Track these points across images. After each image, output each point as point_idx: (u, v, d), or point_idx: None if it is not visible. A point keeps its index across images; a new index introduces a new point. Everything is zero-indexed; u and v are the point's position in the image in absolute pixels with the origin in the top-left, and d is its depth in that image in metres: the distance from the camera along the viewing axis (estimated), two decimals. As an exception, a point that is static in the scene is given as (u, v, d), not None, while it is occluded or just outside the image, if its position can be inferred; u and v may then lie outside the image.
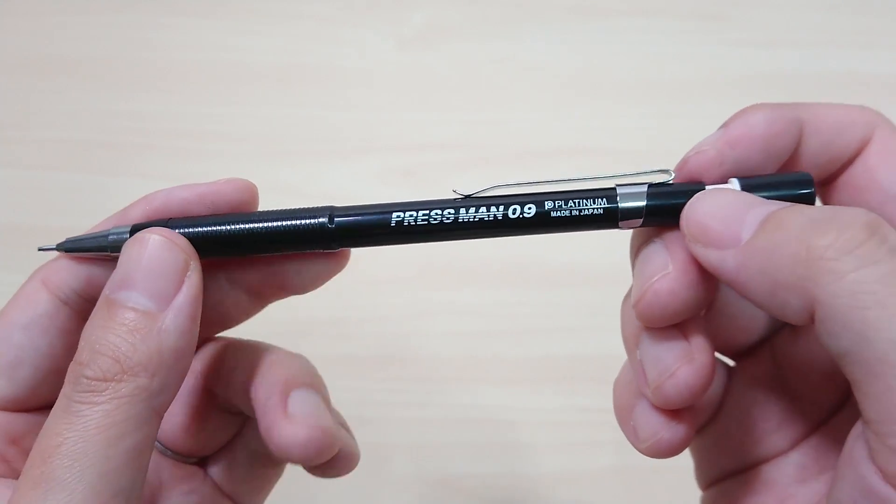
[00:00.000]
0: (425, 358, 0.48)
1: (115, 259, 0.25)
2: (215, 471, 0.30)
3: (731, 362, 0.29)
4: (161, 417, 0.24)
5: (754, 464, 0.27)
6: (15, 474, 0.25)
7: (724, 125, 0.25)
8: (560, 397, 0.47)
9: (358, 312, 0.48)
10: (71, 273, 0.26)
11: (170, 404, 0.24)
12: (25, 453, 0.25)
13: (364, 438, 0.47)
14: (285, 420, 0.26)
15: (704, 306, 0.25)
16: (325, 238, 0.25)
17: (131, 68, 0.58)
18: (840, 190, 0.26)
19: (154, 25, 0.59)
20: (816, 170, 0.25)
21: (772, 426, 0.27)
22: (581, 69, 0.58)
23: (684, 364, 0.24)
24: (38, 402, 0.27)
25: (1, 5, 0.60)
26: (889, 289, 0.18)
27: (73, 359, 0.23)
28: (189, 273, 0.24)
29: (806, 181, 0.24)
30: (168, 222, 0.25)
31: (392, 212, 0.25)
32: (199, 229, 0.25)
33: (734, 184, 0.24)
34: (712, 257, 0.22)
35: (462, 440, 0.46)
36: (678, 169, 0.25)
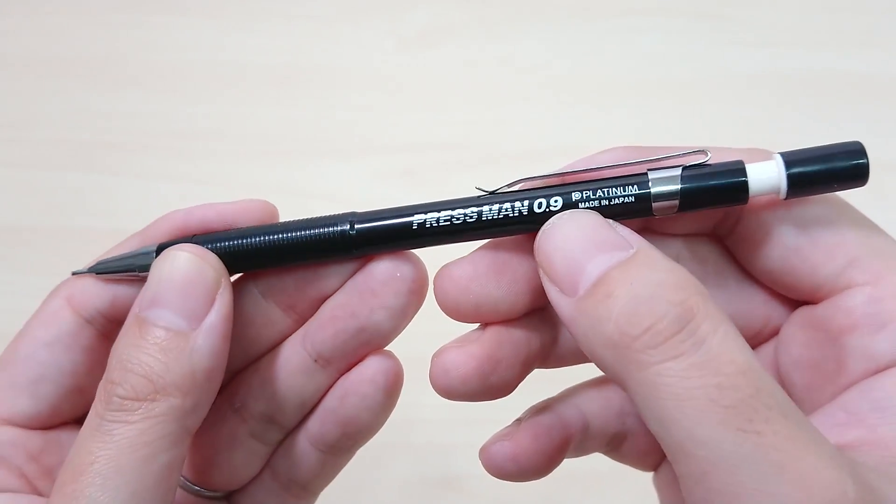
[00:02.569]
0: (425, 358, 0.48)
1: (143, 279, 0.25)
2: (239, 501, 0.29)
3: None
4: (191, 436, 0.23)
5: None
6: (35, 490, 0.25)
7: None
8: (560, 397, 0.47)
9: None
10: (96, 293, 0.26)
11: (199, 424, 0.24)
12: (45, 470, 0.26)
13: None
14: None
15: (505, 309, 0.25)
16: (346, 246, 0.25)
17: (131, 68, 0.58)
18: (733, 246, 0.25)
19: (154, 25, 0.59)
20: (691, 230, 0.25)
21: None
22: (581, 69, 0.58)
23: (453, 347, 0.25)
24: (60, 420, 0.26)
25: (1, 5, 0.60)
26: (686, 382, 0.19)
27: (104, 377, 0.23)
28: (220, 290, 0.24)
29: (856, 151, 0.22)
30: (193, 239, 0.25)
31: (413, 213, 0.24)
32: (223, 244, 0.25)
33: (777, 159, 0.23)
34: (553, 295, 0.22)
35: (462, 440, 0.46)
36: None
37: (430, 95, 0.57)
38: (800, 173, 0.22)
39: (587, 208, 0.23)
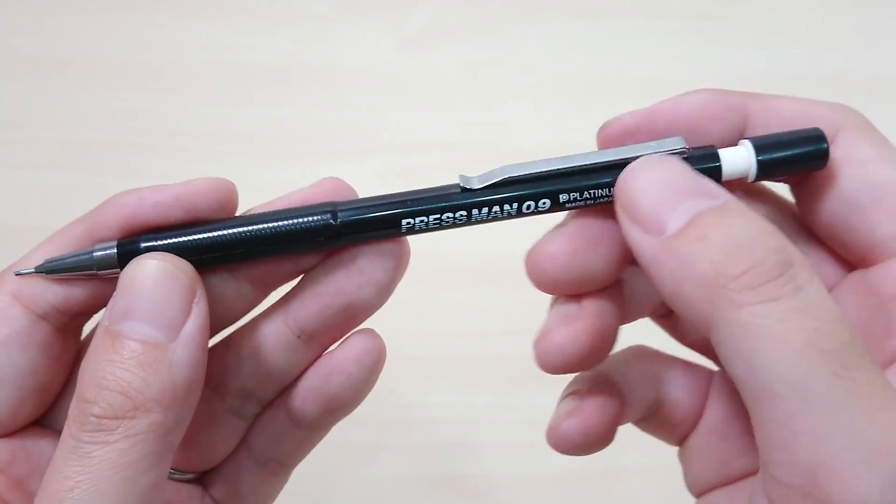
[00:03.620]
0: (425, 358, 0.48)
1: (102, 279, 0.24)
2: (217, 488, 0.28)
3: (714, 367, 0.28)
4: (174, 452, 0.22)
5: (738, 477, 0.26)
6: None
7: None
8: (559, 397, 0.47)
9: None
10: (46, 288, 0.24)
11: (181, 438, 0.23)
12: (15, 482, 0.24)
13: (363, 438, 0.47)
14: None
15: (601, 278, 0.25)
16: (329, 236, 0.24)
17: (131, 68, 0.58)
18: (801, 195, 0.26)
19: (154, 25, 0.59)
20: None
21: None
22: (581, 69, 0.58)
23: (560, 326, 0.25)
24: (23, 422, 0.25)
25: (2, 5, 0.60)
26: (784, 324, 0.19)
27: (77, 395, 0.22)
28: (196, 299, 0.23)
29: (817, 136, 0.24)
30: (157, 235, 0.24)
31: (401, 216, 0.24)
32: (187, 238, 0.24)
33: (747, 145, 0.24)
34: (634, 235, 0.22)
35: (462, 440, 0.46)
36: (599, 134, 0.25)
37: (430, 95, 0.57)
38: (769, 159, 0.24)
39: (574, 207, 0.24)
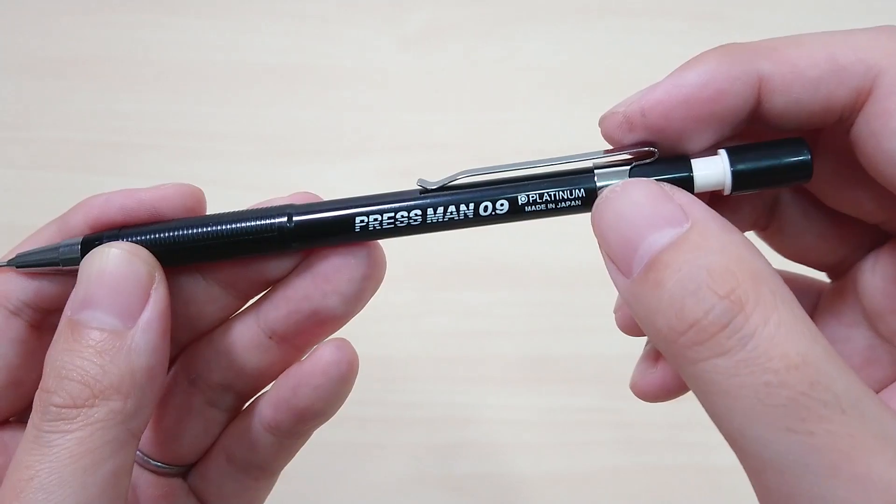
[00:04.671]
0: (425, 358, 0.48)
1: (67, 273, 0.24)
2: (203, 491, 0.28)
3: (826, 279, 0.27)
4: (138, 440, 0.23)
5: None
6: None
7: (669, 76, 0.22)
8: (560, 397, 0.47)
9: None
10: (18, 284, 0.25)
11: (146, 425, 0.23)
12: None
13: (364, 438, 0.47)
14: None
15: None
16: (284, 239, 0.24)
17: (131, 68, 0.58)
18: (839, 157, 0.23)
19: (154, 25, 0.59)
20: (793, 135, 0.23)
21: (856, 365, 0.25)
22: (581, 69, 0.58)
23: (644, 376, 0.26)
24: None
25: (1, 5, 0.60)
26: (733, 380, 0.18)
27: (39, 386, 0.22)
28: (154, 285, 0.23)
29: (799, 149, 0.22)
30: (120, 232, 0.24)
31: (355, 216, 0.24)
32: (152, 236, 0.24)
33: (722, 155, 0.22)
34: (611, 272, 0.21)
35: (462, 440, 0.46)
36: (600, 126, 0.23)
37: (430, 95, 0.57)
38: (744, 170, 0.22)
39: (533, 211, 0.23)
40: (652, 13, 0.60)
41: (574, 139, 0.56)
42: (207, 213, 0.25)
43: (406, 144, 0.55)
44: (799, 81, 0.21)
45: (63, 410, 0.21)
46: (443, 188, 0.24)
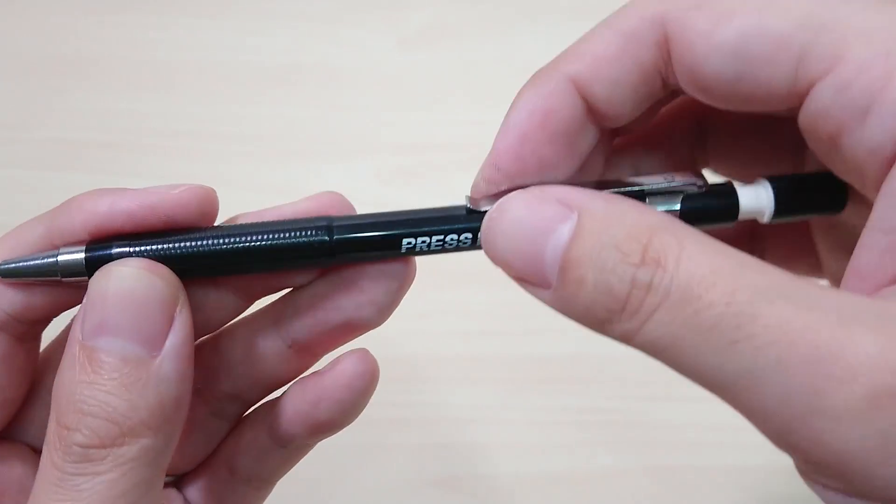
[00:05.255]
0: (425, 358, 0.48)
1: (67, 285, 0.22)
2: (196, 496, 0.27)
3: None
4: (165, 474, 0.21)
5: None
6: None
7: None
8: (560, 397, 0.47)
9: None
10: (2, 295, 0.22)
11: (171, 458, 0.21)
12: None
13: (364, 438, 0.47)
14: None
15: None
16: (321, 255, 0.22)
17: (131, 68, 0.58)
18: (679, 71, 0.21)
19: (154, 25, 0.59)
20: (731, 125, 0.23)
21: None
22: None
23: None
24: None
25: (1, 5, 0.60)
26: (670, 326, 0.18)
27: (54, 419, 0.20)
28: (179, 308, 0.21)
29: (834, 187, 0.22)
30: (133, 242, 0.22)
31: (402, 237, 0.22)
32: (165, 248, 0.22)
33: (765, 186, 0.23)
34: (530, 291, 0.21)
35: (462, 440, 0.46)
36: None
37: (430, 95, 0.57)
38: (787, 202, 0.23)
39: None
40: (652, 13, 0.60)
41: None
42: (228, 223, 0.23)
43: (406, 144, 0.55)
44: (602, 68, 0.22)
45: (90, 451, 0.19)
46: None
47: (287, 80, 0.57)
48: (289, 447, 0.26)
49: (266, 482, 0.27)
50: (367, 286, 0.24)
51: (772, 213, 0.23)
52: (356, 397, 0.25)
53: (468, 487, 0.45)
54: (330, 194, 0.24)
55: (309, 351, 0.25)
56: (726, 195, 0.23)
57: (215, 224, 0.23)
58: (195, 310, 0.23)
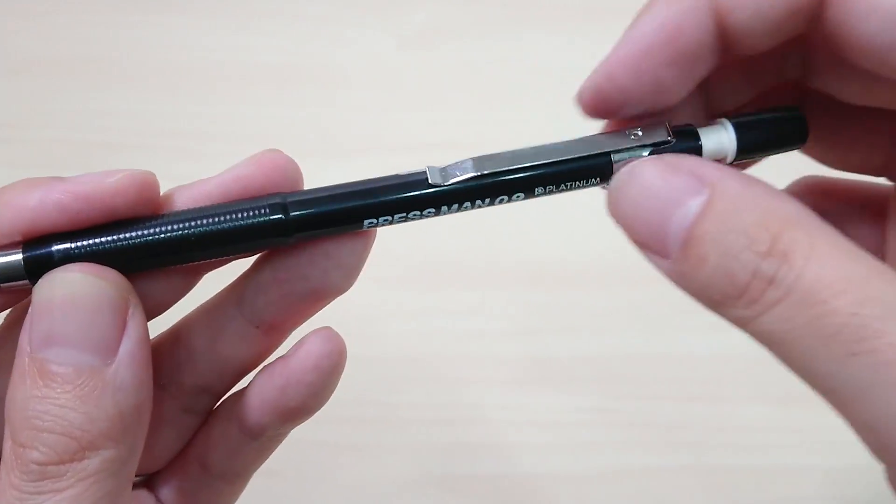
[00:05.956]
0: (425, 358, 0.48)
1: (9, 291, 0.20)
2: (168, 495, 0.26)
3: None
4: (131, 483, 0.20)
5: None
6: None
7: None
8: (560, 397, 0.47)
9: (357, 312, 0.48)
10: None
11: (136, 466, 0.20)
12: None
13: (364, 438, 0.47)
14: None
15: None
16: (279, 234, 0.21)
17: (131, 68, 0.58)
18: (833, 58, 0.21)
19: (153, 25, 0.59)
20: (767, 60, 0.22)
21: None
22: (581, 69, 0.58)
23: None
24: None
25: (1, 5, 0.60)
26: (789, 324, 0.18)
27: (9, 436, 0.19)
28: (131, 311, 0.20)
29: (794, 118, 0.23)
30: (73, 237, 0.20)
31: (363, 217, 0.22)
32: (108, 242, 0.20)
33: (727, 126, 0.23)
34: (647, 257, 0.21)
35: (462, 440, 0.46)
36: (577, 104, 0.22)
37: (430, 95, 0.57)
38: (748, 138, 0.23)
39: (548, 197, 0.22)
40: (652, 13, 0.60)
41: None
42: (165, 199, 0.22)
43: (406, 144, 0.55)
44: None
45: (48, 468, 0.18)
46: (454, 183, 0.23)
47: (287, 80, 0.57)
48: (260, 439, 0.25)
49: (239, 476, 0.26)
50: (331, 250, 0.23)
51: (734, 153, 0.23)
52: (324, 378, 0.24)
53: (468, 487, 0.45)
54: (273, 152, 0.23)
55: (276, 329, 0.24)
56: (690, 137, 0.23)
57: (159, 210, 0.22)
58: (142, 297, 0.22)
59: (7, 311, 0.23)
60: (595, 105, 0.23)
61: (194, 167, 0.54)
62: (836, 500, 0.43)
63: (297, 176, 0.23)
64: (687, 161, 0.21)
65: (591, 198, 0.25)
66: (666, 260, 0.20)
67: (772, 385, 0.41)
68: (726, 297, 0.19)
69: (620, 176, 0.22)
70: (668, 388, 0.46)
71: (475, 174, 0.23)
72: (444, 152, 0.54)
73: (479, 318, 0.49)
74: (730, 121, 0.23)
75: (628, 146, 0.22)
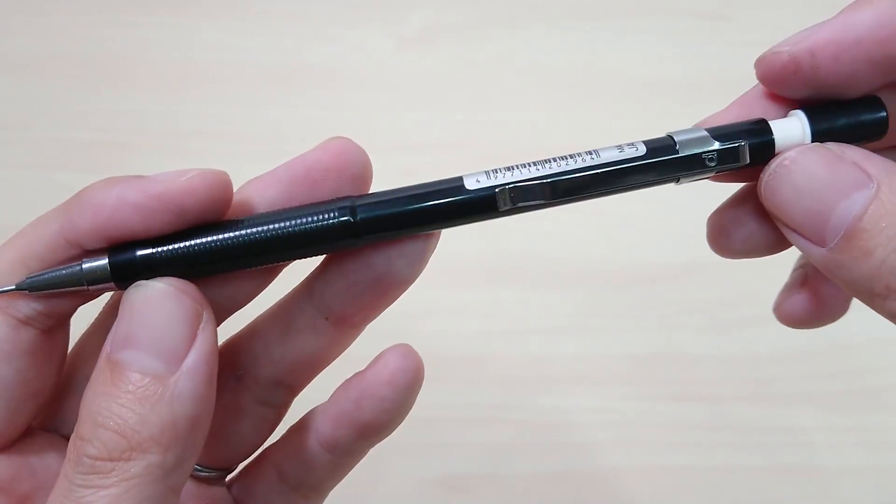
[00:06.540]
0: (425, 358, 0.48)
1: (95, 293, 0.22)
2: (245, 498, 0.27)
3: None
4: (178, 495, 0.20)
5: None
6: None
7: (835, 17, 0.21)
8: (561, 397, 0.47)
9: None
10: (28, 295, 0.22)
11: (187, 479, 0.21)
12: (19, 500, 0.23)
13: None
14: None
15: None
16: (347, 237, 0.22)
17: (131, 68, 0.58)
18: None
19: (154, 25, 0.59)
20: None
21: None
22: (581, 69, 0.58)
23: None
24: (18, 433, 0.23)
25: (1, 5, 0.60)
26: None
27: (75, 431, 0.20)
28: (202, 325, 0.21)
29: (874, 104, 0.22)
30: (155, 242, 0.22)
31: (429, 227, 0.22)
32: (187, 247, 0.22)
33: (800, 116, 0.22)
34: (797, 241, 0.21)
35: (462, 440, 0.46)
36: (756, 66, 0.22)
37: (430, 95, 0.57)
38: (825, 129, 0.22)
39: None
40: (652, 13, 0.60)
41: (574, 139, 0.56)
42: (239, 202, 0.23)
43: (406, 144, 0.55)
44: None
45: (97, 463, 0.19)
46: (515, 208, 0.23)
47: (287, 80, 0.57)
48: (335, 452, 0.26)
49: (315, 490, 0.27)
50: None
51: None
52: (399, 395, 0.24)
53: (468, 487, 0.45)
54: (339, 140, 0.24)
55: (346, 321, 0.25)
56: (761, 133, 0.22)
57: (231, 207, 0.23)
58: (217, 297, 0.23)
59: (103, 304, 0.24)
60: (776, 74, 0.22)
61: (194, 167, 0.54)
62: (836, 500, 0.44)
63: (364, 160, 0.25)
64: (851, 151, 0.21)
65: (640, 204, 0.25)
66: (820, 248, 0.20)
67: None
68: (890, 292, 0.19)
69: (782, 161, 0.21)
70: (670, 389, 0.46)
71: (534, 199, 0.23)
72: (444, 152, 0.54)
73: (479, 318, 0.49)
74: (804, 111, 0.22)
75: (695, 135, 0.23)
